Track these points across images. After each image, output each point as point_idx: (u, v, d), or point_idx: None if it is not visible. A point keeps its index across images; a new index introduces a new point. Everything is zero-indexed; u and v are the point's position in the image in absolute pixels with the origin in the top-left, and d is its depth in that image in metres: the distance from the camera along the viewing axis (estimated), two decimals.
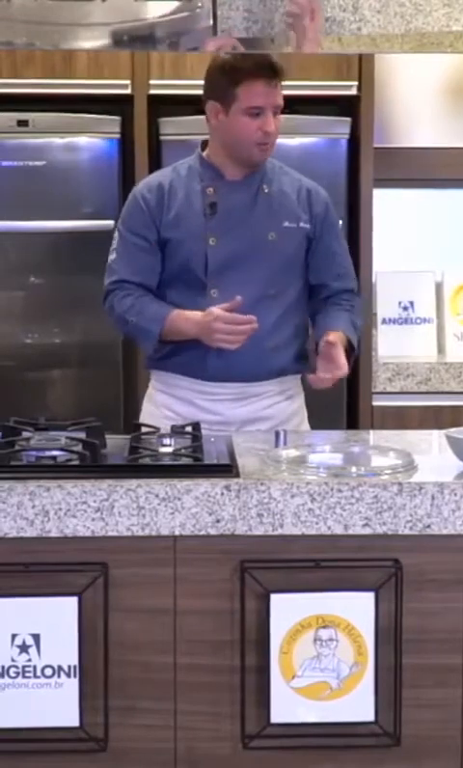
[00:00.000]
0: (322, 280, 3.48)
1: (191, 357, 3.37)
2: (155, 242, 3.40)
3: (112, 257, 3.45)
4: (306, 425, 3.53)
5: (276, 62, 3.29)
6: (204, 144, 3.45)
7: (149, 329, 3.36)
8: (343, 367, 3.30)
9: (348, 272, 3.54)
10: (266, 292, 3.38)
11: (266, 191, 3.41)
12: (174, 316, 3.34)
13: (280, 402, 3.45)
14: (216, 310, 3.26)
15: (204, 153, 3.44)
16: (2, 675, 2.58)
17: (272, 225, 3.39)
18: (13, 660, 2.58)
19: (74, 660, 2.58)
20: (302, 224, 3.42)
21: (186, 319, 3.32)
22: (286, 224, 3.40)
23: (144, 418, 3.48)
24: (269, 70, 3.27)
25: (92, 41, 2.99)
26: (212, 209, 3.38)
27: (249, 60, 3.26)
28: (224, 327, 3.24)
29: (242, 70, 3.28)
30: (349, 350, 3.40)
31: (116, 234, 3.47)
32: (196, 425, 3.13)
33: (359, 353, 3.46)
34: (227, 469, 2.69)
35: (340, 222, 4.39)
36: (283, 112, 4.50)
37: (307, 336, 3.52)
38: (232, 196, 3.39)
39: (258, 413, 3.42)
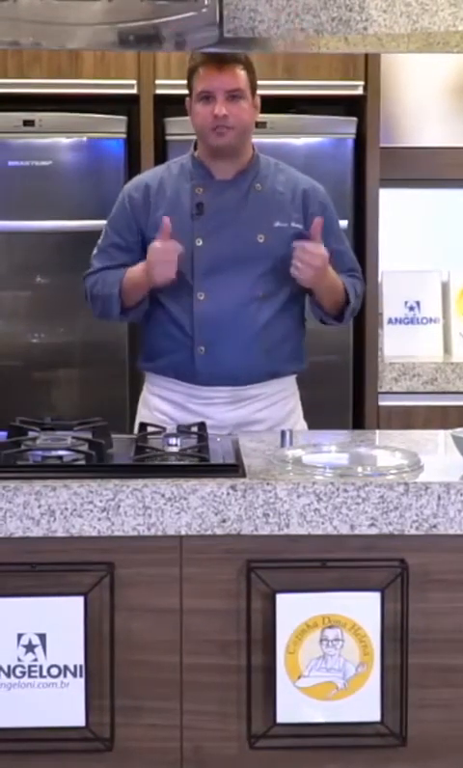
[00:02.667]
0: None
1: (181, 359, 3.35)
2: (135, 242, 3.40)
3: (94, 251, 3.48)
4: (302, 425, 3.51)
5: (231, 52, 3.27)
6: (197, 143, 3.44)
7: (111, 292, 3.36)
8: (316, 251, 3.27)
9: (354, 269, 3.50)
10: (256, 294, 3.35)
11: (259, 189, 3.39)
12: (129, 270, 3.35)
13: (274, 405, 3.43)
14: (154, 244, 3.27)
15: (196, 153, 3.43)
16: (8, 675, 2.58)
17: (262, 226, 3.36)
18: (19, 660, 2.58)
19: (80, 660, 2.58)
20: (294, 224, 3.37)
21: (134, 270, 3.33)
22: (278, 224, 3.36)
23: (138, 420, 3.46)
24: (218, 57, 3.26)
25: (98, 40, 2.99)
26: (199, 209, 3.36)
27: (208, 52, 3.25)
28: (156, 249, 3.24)
29: (195, 60, 3.32)
30: (343, 303, 3.39)
31: (103, 230, 3.49)
32: (202, 425, 3.13)
33: (350, 312, 3.43)
34: (233, 469, 2.69)
35: (346, 221, 4.40)
36: (288, 112, 4.51)
37: (302, 336, 3.49)
38: (221, 196, 3.37)
39: (252, 416, 3.40)
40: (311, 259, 3.25)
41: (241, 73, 3.28)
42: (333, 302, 3.39)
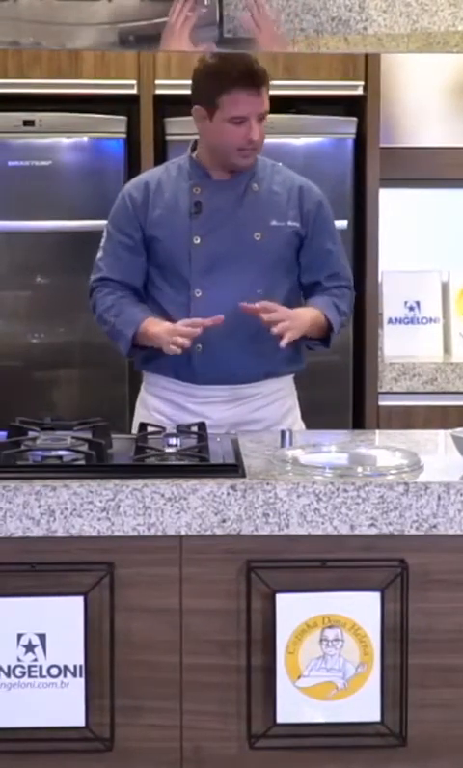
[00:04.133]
0: (315, 278, 3.44)
1: (178, 358, 3.35)
2: (140, 241, 3.39)
3: (99, 254, 3.46)
4: (299, 425, 3.51)
5: (259, 68, 3.27)
6: (195, 143, 3.44)
7: (124, 332, 3.34)
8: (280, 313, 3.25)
9: (343, 272, 3.49)
10: (253, 293, 3.34)
11: (255, 189, 3.39)
12: (148, 322, 3.32)
13: (271, 404, 3.43)
14: (186, 321, 3.25)
15: (194, 153, 3.43)
16: (8, 675, 2.58)
17: (259, 224, 3.36)
18: (19, 660, 2.58)
19: (80, 660, 2.58)
20: (290, 222, 3.38)
21: (158, 325, 3.30)
22: (274, 223, 3.36)
23: (136, 420, 3.46)
24: (253, 79, 3.25)
25: (98, 40, 2.99)
26: (197, 208, 3.36)
27: (232, 67, 3.23)
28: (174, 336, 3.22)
29: (226, 78, 3.25)
30: (327, 330, 3.38)
31: (104, 232, 3.48)
32: (202, 425, 3.13)
33: (337, 333, 3.43)
34: (233, 469, 2.69)
35: (346, 222, 4.40)
36: (288, 112, 4.50)
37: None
38: (219, 195, 3.37)
39: (249, 415, 3.39)
40: (280, 317, 3.24)
41: (267, 92, 3.29)
42: (318, 332, 3.40)
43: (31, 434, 2.94)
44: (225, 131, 3.29)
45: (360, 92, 4.64)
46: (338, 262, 3.48)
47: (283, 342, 3.23)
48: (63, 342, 4.64)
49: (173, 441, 2.89)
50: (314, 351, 3.50)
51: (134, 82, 4.59)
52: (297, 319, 3.28)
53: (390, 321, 4.95)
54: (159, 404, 3.44)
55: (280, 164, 3.48)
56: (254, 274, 3.36)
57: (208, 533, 2.59)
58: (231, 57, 3.22)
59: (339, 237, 3.53)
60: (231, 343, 3.32)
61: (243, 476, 2.65)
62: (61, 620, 2.57)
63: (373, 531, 2.60)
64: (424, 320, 4.98)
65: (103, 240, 3.46)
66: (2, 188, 4.58)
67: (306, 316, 3.33)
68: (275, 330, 3.22)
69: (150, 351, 3.40)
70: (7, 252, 4.63)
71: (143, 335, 3.32)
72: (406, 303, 4.97)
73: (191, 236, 3.34)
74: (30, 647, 2.58)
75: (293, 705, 2.60)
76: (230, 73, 3.24)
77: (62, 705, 2.58)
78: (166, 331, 3.25)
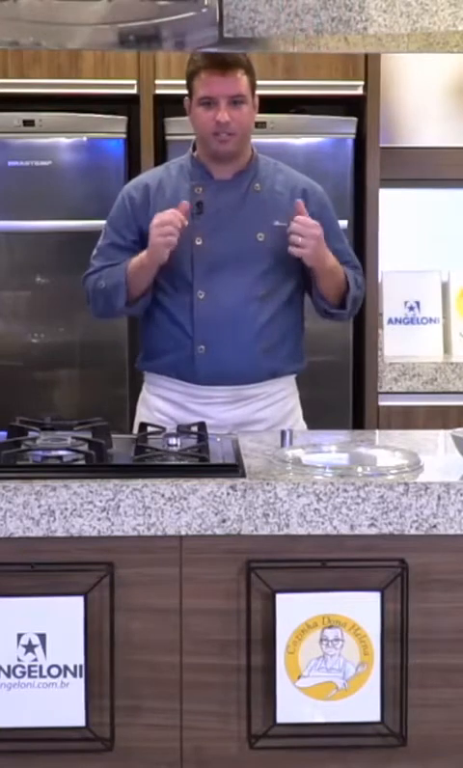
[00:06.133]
0: None
1: (181, 358, 3.35)
2: (134, 242, 3.39)
3: (94, 252, 3.47)
4: (301, 426, 3.51)
5: (231, 54, 3.26)
6: (196, 143, 3.44)
7: (117, 281, 3.34)
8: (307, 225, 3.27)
9: (353, 261, 3.49)
10: (256, 293, 3.35)
11: (258, 189, 3.39)
12: (131, 260, 3.35)
13: (273, 404, 3.42)
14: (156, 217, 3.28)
15: (195, 153, 3.43)
16: (8, 675, 2.58)
17: (261, 225, 3.36)
18: (19, 660, 2.58)
19: (80, 660, 2.58)
20: (293, 222, 3.39)
21: (141, 253, 3.33)
22: (277, 223, 3.35)
23: (137, 421, 3.46)
24: (220, 61, 3.26)
25: (98, 40, 2.99)
26: (199, 209, 3.36)
27: (209, 54, 3.25)
28: (155, 222, 3.24)
29: (195, 63, 3.30)
30: (345, 290, 3.39)
31: (102, 230, 3.48)
32: (202, 425, 3.13)
33: (354, 300, 3.42)
34: (233, 469, 2.69)
35: (346, 221, 4.40)
36: (288, 112, 4.50)
37: (301, 335, 3.49)
38: (221, 195, 3.37)
39: (251, 416, 3.39)
40: (306, 230, 3.25)
41: (243, 78, 3.28)
42: (335, 286, 3.39)
43: (31, 434, 2.94)
44: (198, 116, 3.33)
45: (360, 92, 4.64)
46: (346, 255, 3.48)
47: (293, 249, 3.25)
48: (63, 342, 4.64)
49: (173, 441, 2.89)
50: (326, 327, 3.49)
51: (134, 82, 4.59)
52: (321, 245, 3.28)
53: (390, 321, 4.96)
54: (161, 404, 3.44)
55: (282, 164, 3.47)
56: (256, 274, 3.35)
57: (208, 533, 2.59)
58: None
59: (344, 235, 3.54)
60: (233, 344, 3.32)
61: (243, 476, 2.65)
62: (61, 620, 2.57)
63: (373, 531, 2.60)
64: (424, 320, 4.98)
65: (100, 239, 3.47)
66: (2, 188, 4.58)
67: (331, 255, 3.32)
68: (294, 240, 3.24)
69: (152, 351, 3.40)
70: (7, 252, 4.63)
71: (133, 271, 3.32)
72: (406, 303, 4.97)
73: (193, 237, 3.34)
74: (30, 647, 2.58)
75: (293, 705, 2.60)
76: (200, 57, 3.29)
77: (62, 705, 2.58)
78: (153, 241, 3.25)
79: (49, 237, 4.59)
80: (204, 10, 2.87)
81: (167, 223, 3.23)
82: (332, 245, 3.39)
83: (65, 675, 2.58)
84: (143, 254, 3.32)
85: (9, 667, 2.58)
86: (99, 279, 3.40)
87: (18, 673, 2.58)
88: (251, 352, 3.35)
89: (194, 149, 3.44)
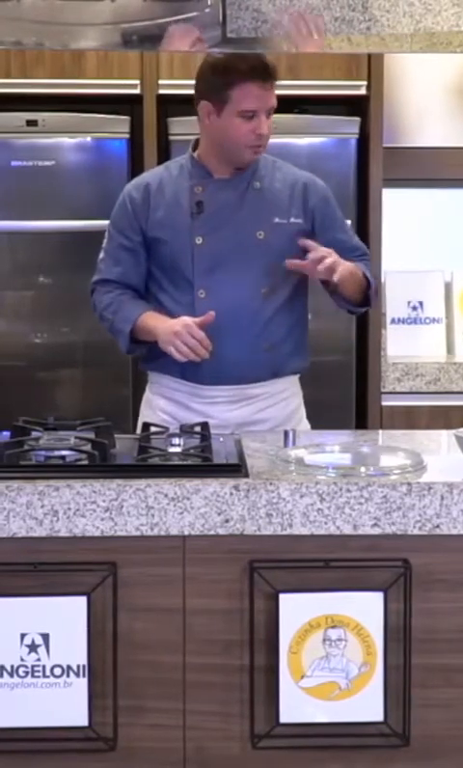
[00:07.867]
0: None
1: None
2: (139, 242, 3.39)
3: (100, 255, 3.47)
4: (305, 425, 3.50)
5: (269, 63, 3.26)
6: (196, 143, 3.44)
7: (122, 328, 3.35)
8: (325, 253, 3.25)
9: (361, 248, 3.50)
10: (257, 291, 3.35)
11: (257, 187, 3.38)
12: (146, 316, 3.33)
13: (276, 404, 3.42)
14: (188, 318, 3.25)
15: (196, 153, 3.43)
16: (11, 675, 2.58)
17: (261, 223, 3.35)
18: (22, 659, 2.58)
19: (83, 660, 2.58)
20: (293, 219, 3.37)
21: (156, 318, 3.31)
22: (277, 220, 3.35)
23: (140, 421, 3.46)
24: (263, 72, 3.24)
25: (101, 40, 2.99)
26: (199, 208, 3.35)
27: (242, 61, 3.22)
28: (184, 334, 3.21)
29: (236, 72, 3.24)
30: (366, 285, 3.39)
31: (106, 233, 3.48)
32: (205, 425, 3.13)
33: (375, 293, 3.43)
34: (236, 469, 2.69)
35: (349, 222, 4.40)
36: (291, 112, 4.50)
37: (305, 332, 3.48)
38: (220, 194, 3.37)
39: (254, 416, 3.39)
40: (324, 257, 3.23)
41: (274, 89, 3.29)
42: (358, 289, 3.39)
43: (34, 434, 2.94)
44: (234, 126, 3.28)
45: (363, 92, 4.64)
46: (352, 244, 3.48)
47: (336, 276, 3.21)
48: (66, 341, 4.65)
49: (176, 441, 2.89)
50: (328, 326, 3.49)
51: (137, 82, 4.59)
52: (340, 259, 3.27)
53: (393, 321, 4.96)
54: (164, 404, 3.44)
55: (280, 160, 3.47)
56: (257, 272, 3.35)
57: (211, 533, 2.59)
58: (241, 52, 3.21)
59: (348, 226, 3.54)
60: (236, 342, 3.32)
61: (246, 476, 2.65)
62: (64, 620, 2.58)
63: (376, 531, 2.60)
64: (427, 320, 4.98)
65: (105, 241, 3.47)
66: (5, 188, 4.58)
67: (347, 263, 3.31)
68: (322, 266, 3.21)
69: (154, 351, 3.40)
70: (10, 252, 4.63)
71: (141, 329, 3.33)
72: (409, 303, 4.97)
73: (193, 236, 3.34)
74: (33, 647, 2.58)
75: (296, 705, 2.60)
76: (241, 66, 3.23)
77: (65, 705, 2.58)
78: (171, 332, 3.23)
79: (52, 237, 4.59)
80: (207, 10, 2.88)
81: (188, 342, 3.21)
82: (336, 235, 3.40)
83: (68, 675, 2.58)
84: (156, 327, 3.29)
85: (12, 666, 2.58)
86: (108, 308, 3.40)
87: (21, 673, 2.58)
88: (254, 350, 3.35)
89: (193, 148, 3.44)
